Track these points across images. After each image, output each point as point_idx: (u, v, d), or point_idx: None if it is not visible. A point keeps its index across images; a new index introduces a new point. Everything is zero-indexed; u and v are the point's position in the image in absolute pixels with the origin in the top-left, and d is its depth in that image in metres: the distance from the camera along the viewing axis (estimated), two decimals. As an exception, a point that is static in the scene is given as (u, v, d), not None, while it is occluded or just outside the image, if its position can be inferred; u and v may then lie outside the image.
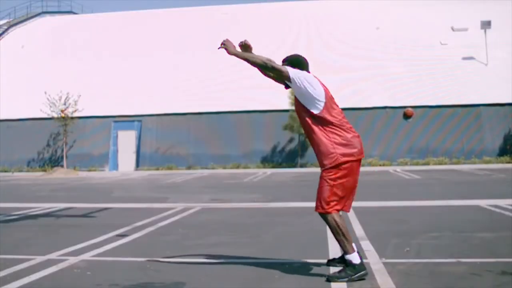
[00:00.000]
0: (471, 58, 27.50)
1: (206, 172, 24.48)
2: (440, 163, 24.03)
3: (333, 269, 4.60)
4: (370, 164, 24.22)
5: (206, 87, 27.92)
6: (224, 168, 25.66)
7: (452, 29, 29.61)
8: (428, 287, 4.03)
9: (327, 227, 6.79)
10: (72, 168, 26.21)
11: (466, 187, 13.13)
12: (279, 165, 25.55)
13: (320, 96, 4.18)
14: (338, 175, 4.19)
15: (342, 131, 4.20)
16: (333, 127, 4.19)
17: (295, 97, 4.32)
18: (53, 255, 5.41)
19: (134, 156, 27.43)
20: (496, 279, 4.13)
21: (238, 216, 8.47)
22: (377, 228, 6.69)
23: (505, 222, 7.07)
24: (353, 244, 4.28)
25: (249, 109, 26.44)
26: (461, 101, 25.49)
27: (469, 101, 25.46)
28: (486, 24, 27.14)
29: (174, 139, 26.93)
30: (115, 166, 27.33)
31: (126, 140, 27.55)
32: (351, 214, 7.98)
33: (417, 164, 24.19)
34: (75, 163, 26.87)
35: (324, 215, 4.26)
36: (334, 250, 5.40)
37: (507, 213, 7.83)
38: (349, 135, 4.20)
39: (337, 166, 4.18)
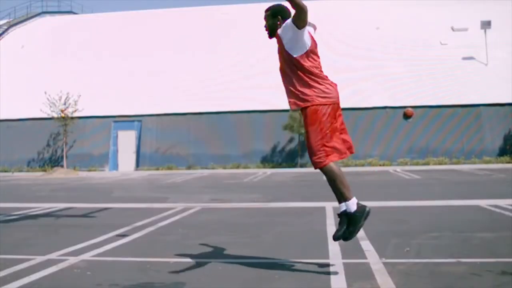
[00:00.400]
0: (471, 58, 27.51)
1: (206, 172, 24.48)
2: (440, 163, 24.04)
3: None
4: (370, 164, 24.23)
5: (206, 87, 27.92)
6: (224, 168, 25.66)
7: (452, 29, 29.61)
8: (428, 287, 4.03)
9: (327, 227, 6.82)
10: (72, 168, 26.21)
11: (466, 187, 13.13)
12: (279, 165, 25.56)
13: (308, 41, 4.24)
14: (317, 117, 4.17)
15: (320, 81, 4.24)
16: (312, 76, 4.21)
17: (282, 52, 4.31)
18: (53, 255, 5.41)
19: (134, 156, 27.43)
20: (496, 279, 4.13)
21: (238, 216, 8.47)
22: (377, 228, 6.68)
23: (505, 222, 7.07)
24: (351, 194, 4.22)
25: (249, 109, 26.45)
26: (461, 101, 25.49)
27: (469, 101, 25.47)
28: (486, 24, 27.14)
29: (174, 139, 26.94)
30: (115, 166, 27.33)
31: (126, 140, 27.56)
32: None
33: (417, 164, 24.19)
34: (75, 163, 26.88)
35: (321, 168, 4.16)
36: (334, 250, 5.41)
37: (507, 213, 7.83)
38: (325, 88, 4.23)
39: (315, 112, 4.17)
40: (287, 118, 24.53)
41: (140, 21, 34.25)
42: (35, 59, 31.64)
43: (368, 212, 4.17)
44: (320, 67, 4.37)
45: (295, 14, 4.13)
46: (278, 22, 4.36)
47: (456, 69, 26.96)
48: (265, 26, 4.51)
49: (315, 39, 4.39)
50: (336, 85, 4.34)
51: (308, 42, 4.26)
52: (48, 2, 39.68)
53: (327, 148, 4.16)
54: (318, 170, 4.29)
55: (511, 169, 20.27)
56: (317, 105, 4.18)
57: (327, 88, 4.24)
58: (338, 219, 4.29)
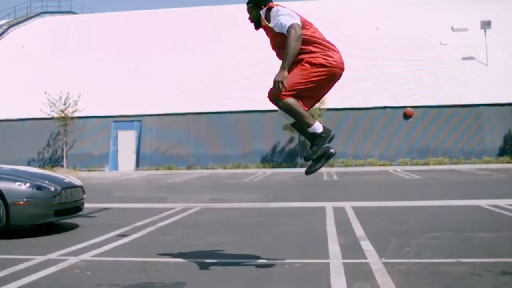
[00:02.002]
0: (471, 58, 27.50)
1: (206, 172, 24.48)
2: (440, 163, 24.03)
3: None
4: (370, 164, 24.23)
5: (206, 87, 27.92)
6: (224, 168, 25.66)
7: (452, 29, 29.61)
8: (428, 287, 4.03)
9: (327, 227, 6.82)
10: (72, 168, 26.22)
11: (466, 187, 13.14)
12: (279, 165, 25.56)
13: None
14: (314, 64, 4.17)
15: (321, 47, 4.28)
16: (316, 45, 4.24)
17: (275, 40, 4.35)
18: (53, 255, 5.41)
19: (134, 156, 27.43)
20: (496, 279, 4.13)
21: (238, 216, 8.48)
22: (377, 228, 6.69)
23: (505, 222, 7.07)
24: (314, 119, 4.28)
25: (249, 109, 26.44)
26: (461, 101, 25.49)
27: (469, 101, 25.46)
28: (486, 24, 27.14)
29: (174, 139, 26.94)
30: (115, 166, 27.33)
31: (126, 140, 27.55)
32: (351, 214, 7.99)
33: (417, 164, 24.19)
34: (75, 163, 26.88)
35: (277, 101, 4.16)
36: (334, 250, 5.41)
37: (507, 213, 7.83)
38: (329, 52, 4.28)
39: (313, 64, 4.19)
40: (287, 118, 24.52)
41: (140, 21, 34.24)
42: (35, 59, 31.63)
43: (333, 136, 4.22)
44: (321, 36, 4.37)
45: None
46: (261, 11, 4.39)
47: (456, 69, 26.95)
48: (249, 18, 4.54)
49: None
50: (339, 52, 4.37)
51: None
52: (48, 2, 39.69)
53: (293, 93, 4.15)
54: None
55: (511, 169, 20.27)
56: (316, 62, 4.18)
57: (329, 55, 4.27)
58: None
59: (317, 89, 4.27)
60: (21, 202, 6.45)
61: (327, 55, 4.25)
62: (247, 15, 4.57)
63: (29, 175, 7.05)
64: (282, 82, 4.02)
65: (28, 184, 6.59)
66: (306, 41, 4.21)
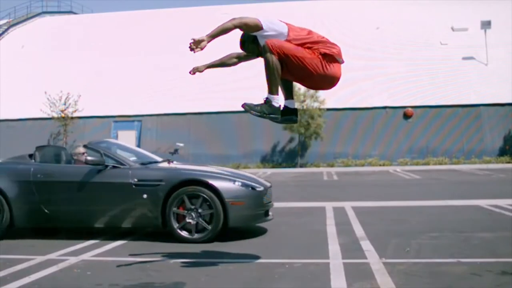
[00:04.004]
0: (471, 58, 27.50)
1: (206, 172, 24.44)
2: (440, 163, 24.02)
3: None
4: (370, 164, 24.22)
5: (206, 87, 27.91)
6: (224, 168, 25.64)
7: (452, 29, 29.60)
8: (428, 287, 4.03)
9: (327, 227, 6.81)
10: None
11: (466, 187, 13.13)
12: (279, 165, 25.55)
13: (284, 30, 4.30)
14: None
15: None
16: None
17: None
18: (53, 255, 5.41)
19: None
20: (496, 279, 4.13)
21: (238, 216, 8.46)
22: (377, 228, 6.69)
23: (505, 222, 7.07)
24: (279, 93, 4.36)
25: (249, 109, 26.44)
26: (461, 101, 25.48)
27: (469, 101, 25.45)
28: (486, 24, 27.13)
29: (174, 139, 26.93)
30: (115, 166, 27.31)
31: (126, 140, 27.49)
32: (351, 214, 7.99)
33: (417, 164, 24.18)
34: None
35: (270, 51, 4.19)
36: (334, 250, 5.41)
37: (507, 213, 7.83)
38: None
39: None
40: (287, 118, 24.51)
41: (140, 21, 34.24)
42: (35, 59, 31.62)
43: (276, 118, 4.34)
44: (314, 35, 4.40)
45: (248, 31, 4.36)
46: (255, 39, 4.45)
47: (456, 69, 26.94)
48: (253, 53, 4.61)
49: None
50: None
51: (278, 29, 4.31)
52: (48, 2, 39.71)
53: (281, 54, 4.20)
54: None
55: (511, 169, 20.27)
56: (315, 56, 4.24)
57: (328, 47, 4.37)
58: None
59: (306, 70, 4.29)
60: (239, 202, 6.09)
61: (326, 47, 4.34)
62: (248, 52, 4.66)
63: (233, 174, 6.69)
64: (198, 41, 4.15)
65: (240, 183, 6.25)
66: (299, 45, 4.27)
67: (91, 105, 27.28)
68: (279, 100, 4.34)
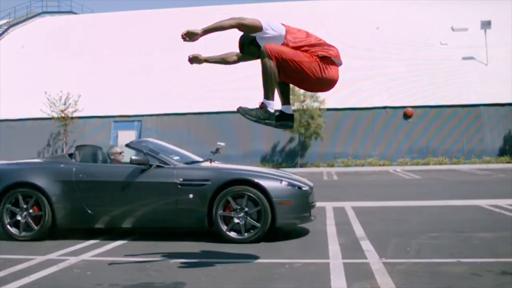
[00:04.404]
0: (471, 58, 27.49)
1: (206, 172, 24.45)
2: (440, 163, 24.02)
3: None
4: (370, 164, 24.21)
5: (206, 87, 27.92)
6: (224, 168, 25.63)
7: (452, 29, 29.60)
8: (428, 287, 4.03)
9: (327, 227, 6.81)
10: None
11: (466, 187, 13.13)
12: (279, 165, 25.53)
13: (282, 32, 4.28)
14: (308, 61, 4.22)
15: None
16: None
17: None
18: (53, 255, 5.41)
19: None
20: (496, 279, 4.13)
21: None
22: (377, 228, 6.69)
23: (505, 222, 7.07)
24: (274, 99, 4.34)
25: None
26: (461, 101, 25.47)
27: (469, 101, 25.44)
28: (486, 24, 27.12)
29: (174, 139, 26.91)
30: (115, 166, 27.31)
31: (126, 140, 27.38)
32: (351, 214, 7.99)
33: (417, 164, 24.18)
34: None
35: (268, 56, 4.18)
36: (334, 250, 5.41)
37: (507, 213, 7.83)
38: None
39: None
40: (287, 118, 24.51)
41: (140, 21, 34.24)
42: (35, 59, 31.62)
43: (270, 124, 4.34)
44: (311, 38, 4.37)
45: (247, 32, 4.34)
46: (254, 40, 4.43)
47: (456, 69, 26.94)
48: (252, 56, 4.59)
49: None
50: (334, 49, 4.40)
51: (275, 31, 4.30)
52: (48, 2, 39.69)
53: (279, 59, 4.18)
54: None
55: (511, 169, 20.27)
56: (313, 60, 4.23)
57: (325, 49, 4.31)
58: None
59: (302, 73, 4.27)
60: (286, 202, 5.99)
61: (324, 49, 4.30)
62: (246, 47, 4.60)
63: (278, 173, 6.62)
64: (192, 33, 4.18)
65: (286, 183, 6.15)
66: (297, 47, 4.26)
67: (91, 105, 27.28)
68: (275, 106, 4.31)
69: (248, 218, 5.89)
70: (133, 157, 6.24)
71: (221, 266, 4.82)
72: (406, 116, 25.76)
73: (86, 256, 5.38)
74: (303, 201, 6.19)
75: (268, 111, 4.26)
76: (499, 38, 27.22)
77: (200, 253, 5.49)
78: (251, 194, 5.89)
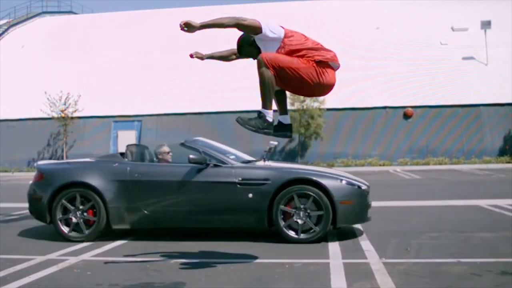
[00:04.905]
0: (471, 58, 27.50)
1: (206, 172, 24.45)
2: (440, 163, 24.02)
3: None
4: (370, 164, 24.22)
5: (206, 87, 27.93)
6: (224, 168, 25.63)
7: (452, 29, 29.60)
8: (428, 287, 4.03)
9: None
10: (72, 168, 26.19)
11: (466, 187, 13.13)
12: (279, 165, 25.56)
13: (281, 35, 4.26)
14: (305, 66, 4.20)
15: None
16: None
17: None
18: (53, 255, 5.41)
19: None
20: (496, 279, 4.13)
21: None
22: (377, 228, 6.69)
23: (505, 222, 7.07)
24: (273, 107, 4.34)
25: (249, 109, 26.41)
26: (461, 101, 25.47)
27: (469, 101, 25.45)
28: (486, 24, 27.13)
29: (174, 139, 26.90)
30: (115, 166, 27.29)
31: (126, 140, 27.52)
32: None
33: (417, 164, 24.18)
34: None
35: (265, 65, 4.16)
36: (334, 250, 5.41)
37: (507, 213, 7.83)
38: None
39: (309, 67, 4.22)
40: (287, 118, 24.52)
41: (140, 21, 34.24)
42: (35, 59, 31.62)
43: (267, 133, 4.32)
44: (309, 41, 4.36)
45: (246, 32, 4.33)
46: (252, 39, 4.42)
47: (456, 69, 26.94)
48: (253, 58, 4.54)
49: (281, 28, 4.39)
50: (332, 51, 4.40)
51: (273, 33, 4.28)
52: (48, 2, 39.69)
53: (276, 69, 4.17)
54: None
55: (511, 169, 20.27)
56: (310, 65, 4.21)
57: (321, 54, 4.29)
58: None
59: (300, 80, 4.24)
60: (347, 201, 5.90)
61: (320, 54, 4.28)
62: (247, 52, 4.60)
63: (335, 172, 6.54)
64: (190, 25, 4.11)
65: (345, 182, 6.04)
66: (294, 51, 4.24)
67: (91, 105, 27.28)
68: (272, 115, 4.30)
69: (308, 219, 5.82)
70: (191, 156, 6.11)
71: (221, 266, 4.82)
72: (406, 116, 25.77)
73: (86, 256, 5.38)
74: (362, 201, 6.11)
75: (267, 120, 4.23)
76: (499, 38, 27.22)
77: (200, 253, 5.49)
78: (313, 194, 5.81)
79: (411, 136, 25.49)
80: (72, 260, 5.17)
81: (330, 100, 24.30)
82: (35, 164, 7.20)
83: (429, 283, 4.10)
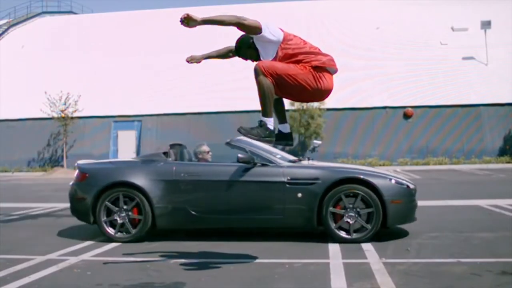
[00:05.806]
0: (471, 58, 27.50)
1: (206, 172, 24.44)
2: (440, 163, 24.02)
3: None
4: (370, 164, 24.21)
5: (206, 87, 27.93)
6: (224, 168, 25.63)
7: (452, 29, 29.60)
8: (428, 287, 4.03)
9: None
10: (72, 168, 26.17)
11: (466, 187, 13.13)
12: (279, 165, 25.57)
13: (280, 38, 4.25)
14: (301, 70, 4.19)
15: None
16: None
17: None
18: (53, 255, 5.41)
19: (134, 156, 27.44)
20: (496, 279, 4.13)
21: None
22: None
23: (505, 222, 7.07)
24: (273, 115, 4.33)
25: (249, 109, 26.43)
26: (461, 101, 25.48)
27: (469, 101, 25.45)
28: (486, 24, 27.13)
29: (174, 139, 26.89)
30: (115, 166, 27.28)
31: (126, 140, 27.55)
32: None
33: (417, 164, 24.19)
34: (75, 163, 26.84)
35: (262, 73, 4.14)
36: (334, 250, 5.41)
37: (507, 213, 7.83)
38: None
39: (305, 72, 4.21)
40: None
41: (140, 21, 34.24)
42: (35, 59, 31.63)
43: (269, 141, 4.28)
44: (307, 45, 4.34)
45: (246, 32, 4.30)
46: (251, 41, 4.42)
47: (456, 69, 26.94)
48: (250, 60, 4.56)
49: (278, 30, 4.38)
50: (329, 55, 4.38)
51: (272, 36, 4.27)
52: (48, 2, 39.69)
53: (274, 76, 4.15)
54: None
55: (511, 169, 20.27)
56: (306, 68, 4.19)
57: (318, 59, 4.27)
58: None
59: (298, 87, 4.24)
60: (397, 201, 5.82)
61: (317, 58, 4.26)
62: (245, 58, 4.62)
63: (383, 171, 6.45)
64: (191, 19, 4.20)
65: (394, 181, 5.96)
66: (292, 55, 4.23)
67: (91, 105, 27.28)
68: (273, 122, 4.28)
69: (359, 217, 5.77)
70: (240, 155, 6.11)
71: (221, 266, 4.82)
72: (406, 116, 25.77)
73: (86, 256, 5.38)
74: (410, 200, 6.06)
75: (268, 128, 4.22)
76: (499, 38, 27.22)
77: (200, 253, 5.49)
78: (363, 193, 5.76)
79: (411, 136, 25.49)
80: (72, 260, 5.17)
81: (330, 100, 24.21)
82: (76, 164, 7.10)
83: (429, 283, 4.10)
